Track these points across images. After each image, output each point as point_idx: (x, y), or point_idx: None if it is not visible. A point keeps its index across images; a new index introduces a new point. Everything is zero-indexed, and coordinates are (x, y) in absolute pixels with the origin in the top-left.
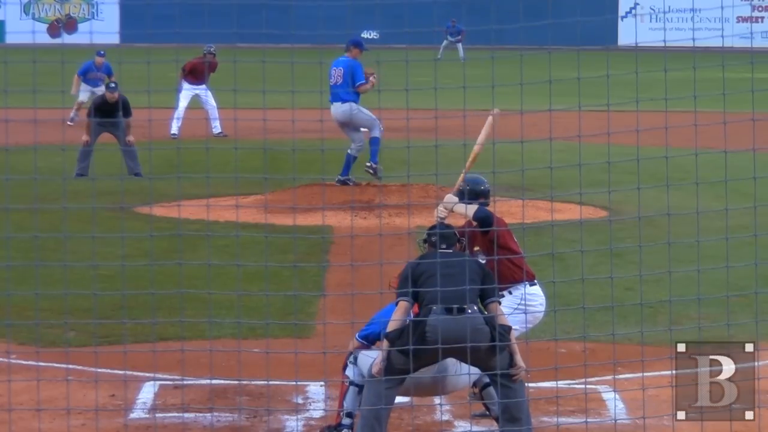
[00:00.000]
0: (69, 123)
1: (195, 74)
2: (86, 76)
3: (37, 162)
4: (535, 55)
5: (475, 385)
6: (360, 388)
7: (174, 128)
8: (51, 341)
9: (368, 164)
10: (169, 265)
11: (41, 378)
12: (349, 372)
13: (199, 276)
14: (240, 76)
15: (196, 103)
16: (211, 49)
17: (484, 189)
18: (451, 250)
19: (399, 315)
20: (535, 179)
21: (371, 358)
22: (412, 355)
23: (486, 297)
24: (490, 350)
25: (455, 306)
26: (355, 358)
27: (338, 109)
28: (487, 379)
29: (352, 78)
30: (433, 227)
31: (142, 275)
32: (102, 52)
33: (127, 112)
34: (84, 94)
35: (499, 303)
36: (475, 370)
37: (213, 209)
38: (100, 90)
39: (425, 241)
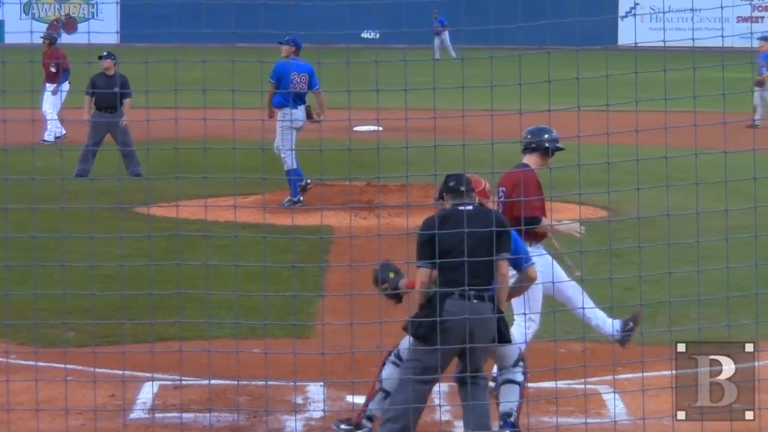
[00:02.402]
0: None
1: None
2: None
3: (36, 162)
4: (534, 55)
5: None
6: (387, 394)
7: (57, 131)
8: (50, 341)
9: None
10: (167, 266)
11: (40, 378)
12: (385, 372)
13: (198, 276)
14: (238, 76)
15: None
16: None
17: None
18: (471, 207)
19: (423, 283)
20: None
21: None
22: (435, 351)
23: (498, 251)
24: (488, 348)
25: (472, 293)
26: (398, 357)
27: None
28: None
29: (311, 84)
30: (450, 176)
31: (141, 275)
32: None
33: (126, 93)
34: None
35: (508, 260)
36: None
37: (212, 209)
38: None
39: (441, 195)
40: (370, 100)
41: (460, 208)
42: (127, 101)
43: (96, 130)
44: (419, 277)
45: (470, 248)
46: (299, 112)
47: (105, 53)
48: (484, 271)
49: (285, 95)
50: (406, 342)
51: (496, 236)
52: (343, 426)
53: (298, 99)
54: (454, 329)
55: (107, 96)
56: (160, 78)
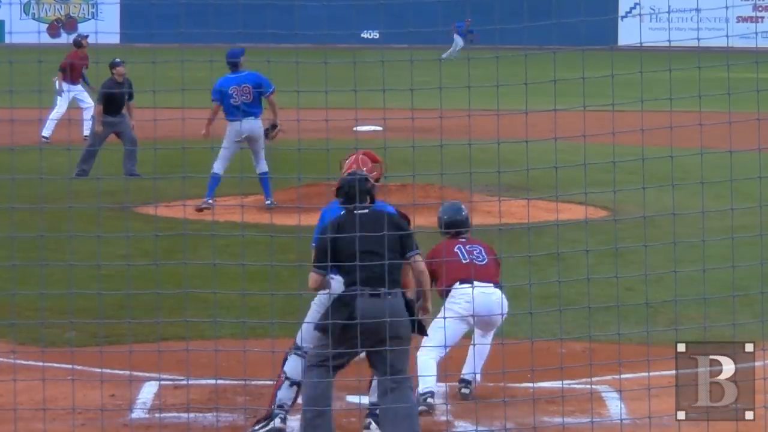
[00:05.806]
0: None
1: (72, 73)
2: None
3: (41, 162)
4: (536, 55)
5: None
6: (293, 383)
7: (48, 130)
8: (51, 341)
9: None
10: (172, 265)
11: (45, 378)
12: (287, 366)
13: (198, 276)
14: None
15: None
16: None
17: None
18: (367, 210)
19: (314, 287)
20: (535, 179)
21: (309, 327)
22: (339, 341)
23: (406, 251)
24: (406, 340)
25: (382, 290)
26: (299, 348)
27: (255, 124)
28: None
29: (262, 90)
30: (344, 179)
31: (142, 275)
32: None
33: (131, 95)
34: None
35: (420, 254)
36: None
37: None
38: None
39: (336, 194)
40: (371, 100)
41: (355, 212)
42: (132, 103)
43: (102, 132)
44: (311, 281)
45: (371, 249)
46: (246, 124)
47: (117, 59)
48: (389, 278)
49: (233, 110)
50: (301, 334)
51: (399, 236)
52: (257, 428)
53: (247, 111)
54: (365, 326)
55: (118, 102)
56: (161, 78)
